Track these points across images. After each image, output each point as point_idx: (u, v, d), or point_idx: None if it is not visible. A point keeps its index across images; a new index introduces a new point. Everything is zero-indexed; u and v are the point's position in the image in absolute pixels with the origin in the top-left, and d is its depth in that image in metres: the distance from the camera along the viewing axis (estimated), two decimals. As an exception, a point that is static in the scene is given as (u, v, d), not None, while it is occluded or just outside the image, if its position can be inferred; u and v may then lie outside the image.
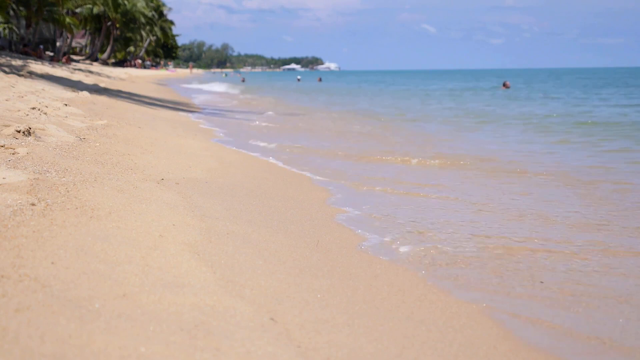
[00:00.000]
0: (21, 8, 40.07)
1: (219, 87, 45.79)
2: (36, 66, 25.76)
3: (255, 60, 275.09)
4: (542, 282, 3.87)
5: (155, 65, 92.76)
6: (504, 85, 45.83)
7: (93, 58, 58.78)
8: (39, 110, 7.47)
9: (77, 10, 52.48)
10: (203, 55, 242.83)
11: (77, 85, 17.87)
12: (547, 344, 3.07)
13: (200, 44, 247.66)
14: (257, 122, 16.13)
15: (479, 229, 5.11)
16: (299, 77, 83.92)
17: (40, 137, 5.50)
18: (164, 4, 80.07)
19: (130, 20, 62.02)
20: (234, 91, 40.50)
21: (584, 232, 5.10)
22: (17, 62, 25.64)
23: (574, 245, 4.66)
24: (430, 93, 40.69)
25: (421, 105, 27.10)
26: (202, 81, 59.61)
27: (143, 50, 77.93)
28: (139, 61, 74.77)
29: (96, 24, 59.09)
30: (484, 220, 5.43)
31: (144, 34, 67.86)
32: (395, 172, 8.35)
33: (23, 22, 42.30)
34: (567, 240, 4.81)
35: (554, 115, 19.89)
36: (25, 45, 40.58)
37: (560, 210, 5.88)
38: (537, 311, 3.43)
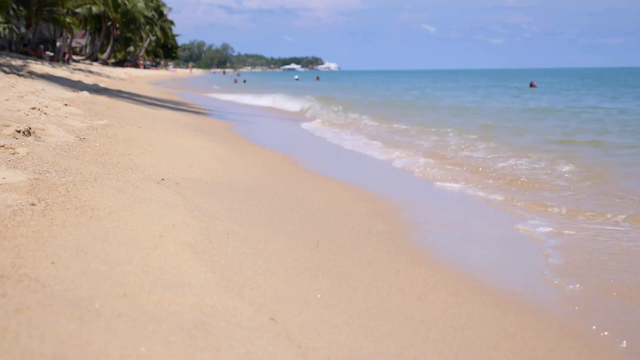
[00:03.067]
0: (21, 8, 40.07)
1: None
2: (36, 66, 25.77)
3: (255, 60, 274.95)
4: None
5: (155, 65, 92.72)
6: (531, 85, 46.36)
7: (93, 58, 58.78)
8: (39, 110, 7.46)
9: (77, 10, 52.48)
10: (203, 55, 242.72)
11: (77, 85, 17.87)
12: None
13: (200, 44, 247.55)
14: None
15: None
16: (296, 76, 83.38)
17: (40, 137, 5.50)
18: (164, 4, 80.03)
19: (130, 20, 61.99)
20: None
21: None
22: (17, 62, 25.64)
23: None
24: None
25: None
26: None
27: (143, 50, 77.92)
28: (140, 61, 74.67)
29: (96, 24, 59.08)
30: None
31: (143, 34, 67.84)
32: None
33: (23, 22, 42.30)
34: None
35: None
36: (25, 45, 40.58)
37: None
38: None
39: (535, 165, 8.99)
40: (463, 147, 11.31)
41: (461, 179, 7.88)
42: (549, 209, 6.05)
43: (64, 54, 44.40)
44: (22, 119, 6.48)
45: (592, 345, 3.13)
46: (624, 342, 3.17)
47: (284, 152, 9.89)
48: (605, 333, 3.27)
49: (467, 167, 8.93)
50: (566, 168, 8.61)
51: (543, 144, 11.95)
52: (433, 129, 14.77)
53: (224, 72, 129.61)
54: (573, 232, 5.16)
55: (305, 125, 16.58)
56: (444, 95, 36.41)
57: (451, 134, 13.54)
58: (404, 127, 15.53)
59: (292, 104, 24.88)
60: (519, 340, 3.06)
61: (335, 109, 22.10)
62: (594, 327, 3.32)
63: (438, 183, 7.70)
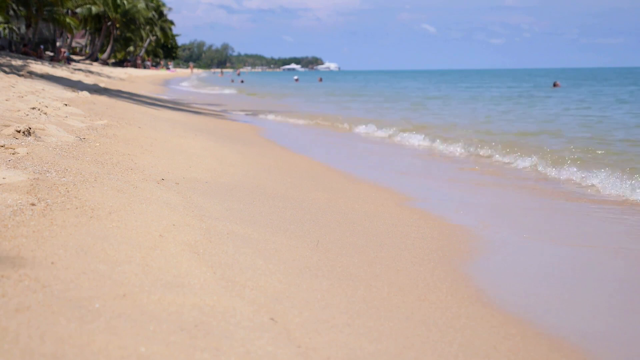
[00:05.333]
0: (21, 8, 40.08)
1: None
2: (36, 66, 25.77)
3: (255, 60, 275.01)
4: None
5: (155, 65, 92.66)
6: (554, 85, 46.49)
7: (93, 58, 58.79)
8: (39, 110, 7.46)
9: (77, 10, 52.49)
10: (203, 55, 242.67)
11: (77, 85, 17.87)
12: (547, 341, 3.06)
13: (200, 44, 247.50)
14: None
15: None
16: (296, 77, 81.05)
17: (40, 137, 5.50)
18: (164, 4, 79.99)
19: (130, 20, 61.99)
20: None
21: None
22: (17, 62, 25.64)
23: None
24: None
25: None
26: None
27: (143, 50, 77.92)
28: (138, 61, 74.47)
29: (96, 24, 59.09)
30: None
31: (144, 34, 67.84)
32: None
33: (23, 22, 42.30)
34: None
35: None
36: (25, 45, 40.59)
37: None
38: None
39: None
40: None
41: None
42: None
43: (60, 53, 44.02)
44: (22, 119, 6.48)
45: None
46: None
47: (288, 150, 9.89)
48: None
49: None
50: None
51: None
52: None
53: (222, 73, 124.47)
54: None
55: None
56: (505, 95, 32.98)
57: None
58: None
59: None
60: (519, 340, 3.06)
61: None
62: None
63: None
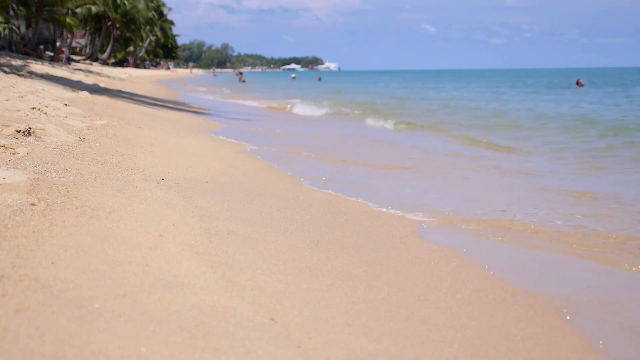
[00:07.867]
0: (21, 8, 40.10)
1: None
2: (36, 66, 25.77)
3: (255, 60, 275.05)
4: None
5: (155, 65, 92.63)
6: (578, 83, 45.94)
7: (93, 58, 58.80)
8: (39, 110, 7.46)
9: (77, 10, 52.52)
10: (203, 55, 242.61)
11: (77, 85, 17.87)
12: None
13: (200, 44, 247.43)
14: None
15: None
16: (293, 75, 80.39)
17: (40, 137, 5.50)
18: (164, 4, 79.97)
19: (130, 20, 61.98)
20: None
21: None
22: (17, 62, 25.64)
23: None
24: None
25: None
26: None
27: (143, 50, 77.92)
28: (131, 60, 73.91)
29: (96, 24, 59.10)
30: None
31: (144, 34, 67.85)
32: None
33: (23, 22, 42.32)
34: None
35: None
36: (25, 45, 40.58)
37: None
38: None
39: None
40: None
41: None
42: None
43: (59, 53, 43.76)
44: (22, 119, 6.48)
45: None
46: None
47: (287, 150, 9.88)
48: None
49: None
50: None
51: None
52: None
53: (215, 72, 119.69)
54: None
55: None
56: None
57: None
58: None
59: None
60: (518, 340, 3.06)
61: None
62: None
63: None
